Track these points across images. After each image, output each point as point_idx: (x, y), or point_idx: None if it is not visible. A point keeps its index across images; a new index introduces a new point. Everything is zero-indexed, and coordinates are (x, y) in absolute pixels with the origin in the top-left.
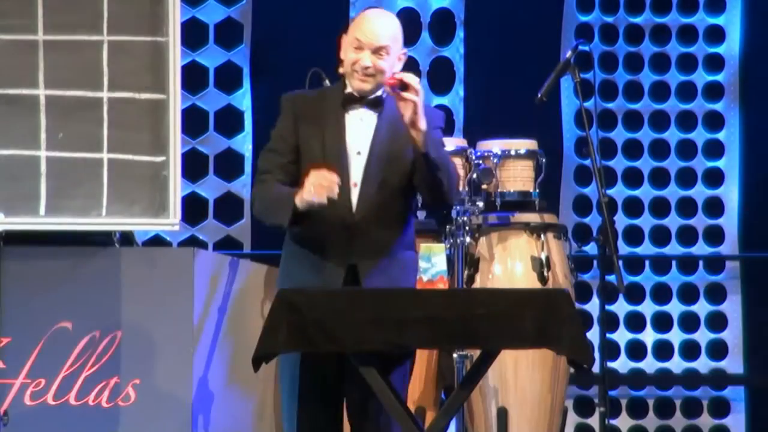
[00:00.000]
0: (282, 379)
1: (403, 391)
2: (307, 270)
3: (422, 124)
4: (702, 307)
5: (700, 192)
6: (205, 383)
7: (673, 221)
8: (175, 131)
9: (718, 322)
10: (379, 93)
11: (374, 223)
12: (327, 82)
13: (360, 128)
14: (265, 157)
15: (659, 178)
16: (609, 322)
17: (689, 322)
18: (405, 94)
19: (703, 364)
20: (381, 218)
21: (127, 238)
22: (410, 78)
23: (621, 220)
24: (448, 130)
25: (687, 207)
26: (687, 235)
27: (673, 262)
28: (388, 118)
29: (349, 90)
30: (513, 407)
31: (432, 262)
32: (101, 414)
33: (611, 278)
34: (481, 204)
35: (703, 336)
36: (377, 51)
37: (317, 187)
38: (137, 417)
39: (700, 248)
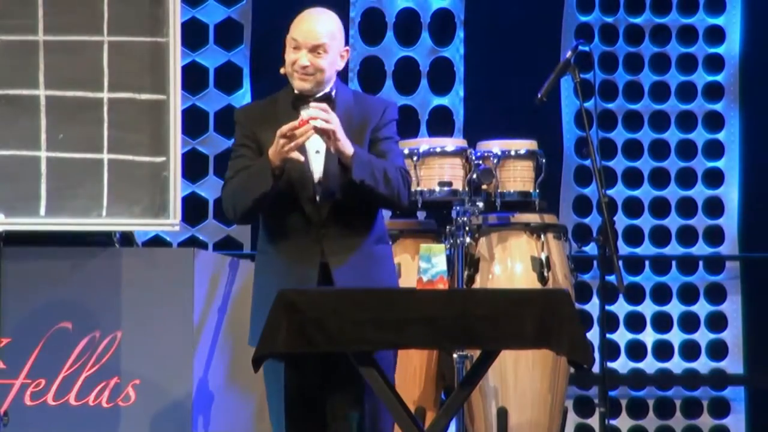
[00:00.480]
0: (267, 387)
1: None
2: (281, 275)
3: (347, 149)
4: (702, 307)
5: (700, 192)
6: (205, 383)
7: (673, 221)
8: (175, 131)
9: (718, 322)
10: (327, 90)
11: (341, 220)
12: None
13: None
14: (230, 165)
15: (659, 179)
16: (609, 322)
17: (689, 323)
18: (318, 126)
19: (703, 364)
20: (347, 214)
21: (127, 239)
22: (312, 113)
23: (621, 221)
24: (448, 131)
25: (687, 207)
26: (687, 236)
27: (673, 263)
28: (342, 115)
29: (297, 91)
30: (513, 407)
31: (432, 263)
32: (101, 414)
33: (611, 278)
34: (481, 204)
35: (703, 336)
36: (314, 50)
37: (284, 141)
38: (137, 417)
39: (700, 248)
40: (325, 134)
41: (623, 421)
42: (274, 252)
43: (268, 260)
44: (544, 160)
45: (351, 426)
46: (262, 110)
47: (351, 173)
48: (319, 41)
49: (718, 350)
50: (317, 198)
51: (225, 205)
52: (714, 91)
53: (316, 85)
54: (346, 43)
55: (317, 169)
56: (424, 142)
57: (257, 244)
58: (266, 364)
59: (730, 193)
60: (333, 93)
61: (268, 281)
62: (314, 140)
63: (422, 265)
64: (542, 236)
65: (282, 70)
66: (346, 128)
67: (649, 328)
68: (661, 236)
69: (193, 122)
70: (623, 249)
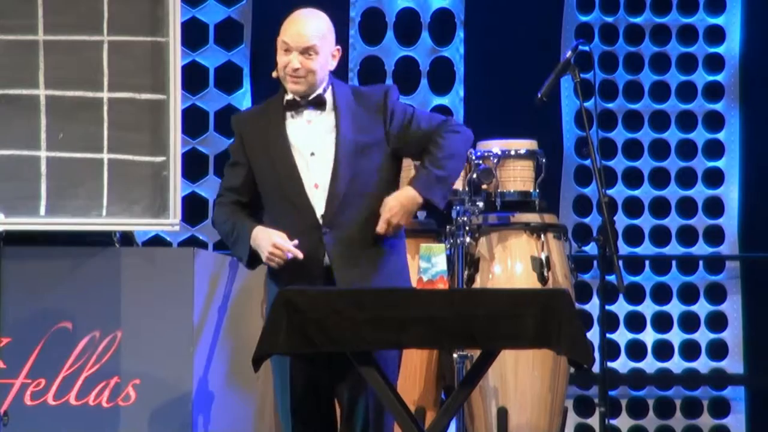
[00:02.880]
0: (274, 380)
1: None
2: (287, 280)
3: (415, 202)
4: (702, 307)
5: (700, 192)
6: (205, 383)
7: (673, 221)
8: (175, 131)
9: (718, 322)
10: (319, 91)
11: (344, 222)
12: None
13: (309, 130)
14: (224, 176)
15: (659, 178)
16: (609, 322)
17: (689, 322)
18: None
19: (703, 364)
20: (352, 216)
21: (127, 238)
22: (382, 225)
23: (621, 220)
24: None
25: (687, 207)
26: (687, 235)
27: (673, 262)
28: (350, 119)
29: (288, 96)
30: (513, 407)
31: (432, 262)
32: (101, 414)
33: (611, 278)
34: (481, 204)
35: (703, 336)
36: (305, 51)
37: (269, 256)
38: (137, 417)
39: (700, 248)
40: (402, 221)
41: (623, 421)
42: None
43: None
44: (544, 160)
45: (357, 416)
46: (254, 116)
47: (439, 208)
48: (309, 43)
49: (718, 350)
50: (313, 204)
51: (214, 223)
52: (714, 91)
53: (308, 87)
54: (338, 42)
55: (315, 173)
56: None
57: None
58: (273, 357)
59: (730, 193)
60: (326, 94)
61: (279, 286)
62: (309, 142)
63: (422, 264)
64: (542, 236)
65: (274, 74)
66: (353, 123)
67: (649, 328)
68: (661, 236)
69: (193, 122)
70: (623, 249)
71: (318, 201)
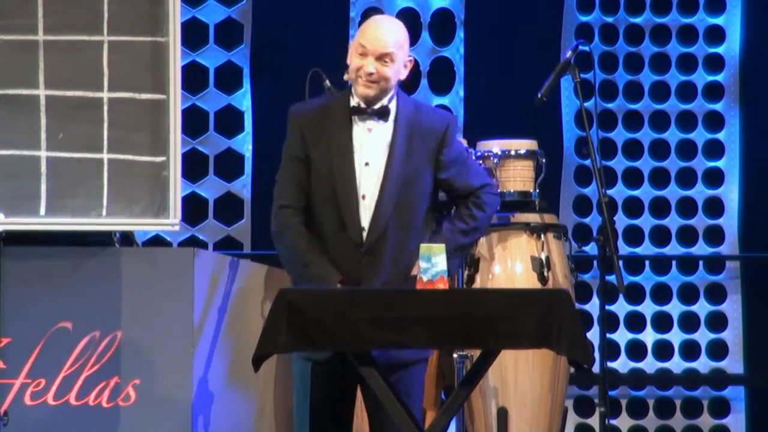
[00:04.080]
0: (295, 389)
1: (417, 396)
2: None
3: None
4: (702, 307)
5: (700, 192)
6: (205, 383)
7: (673, 221)
8: (175, 131)
9: (718, 322)
10: (384, 102)
11: (385, 239)
12: (327, 83)
13: (368, 139)
14: (285, 173)
15: (659, 178)
16: (609, 322)
17: (689, 322)
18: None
19: (703, 364)
20: (394, 233)
21: (127, 238)
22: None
23: (621, 220)
24: None
25: (687, 207)
26: (687, 235)
27: (673, 262)
28: (406, 135)
29: (354, 102)
30: (513, 407)
31: (432, 262)
32: (101, 414)
33: (611, 278)
34: None
35: (703, 336)
36: (381, 58)
37: None
38: (137, 417)
39: (700, 248)
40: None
41: (623, 421)
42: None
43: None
44: (544, 160)
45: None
46: (316, 116)
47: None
48: (387, 50)
49: (718, 350)
50: (360, 214)
51: (274, 236)
52: (714, 91)
53: (379, 92)
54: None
55: (365, 184)
56: None
57: None
58: (295, 365)
59: (730, 193)
60: (390, 105)
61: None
62: (366, 151)
63: (422, 264)
64: (542, 236)
65: (345, 77)
66: (406, 140)
67: (649, 328)
68: (661, 236)
69: (193, 122)
70: (623, 249)
71: (364, 212)
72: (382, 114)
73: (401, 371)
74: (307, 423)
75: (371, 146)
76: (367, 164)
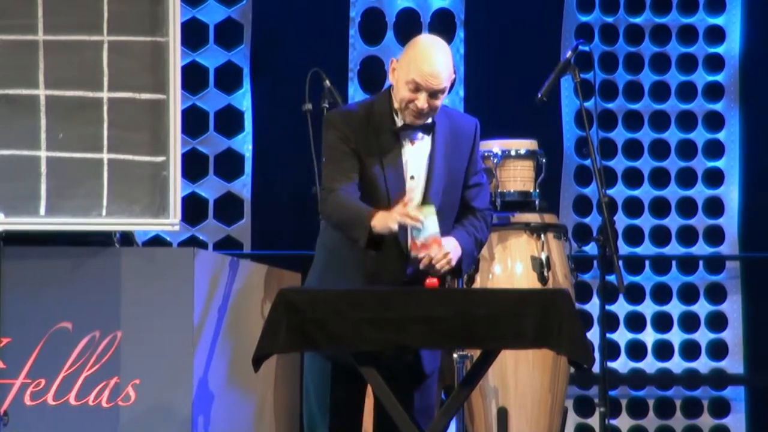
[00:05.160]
0: (311, 388)
1: (435, 408)
2: (359, 273)
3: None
4: (702, 307)
5: (700, 192)
6: (205, 383)
7: (673, 221)
8: (175, 131)
9: (718, 322)
10: (429, 120)
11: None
12: (327, 83)
13: (413, 152)
14: (332, 164)
15: (659, 178)
16: (609, 322)
17: (689, 322)
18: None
19: (703, 364)
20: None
21: (127, 238)
22: (435, 276)
23: (621, 220)
24: None
25: (687, 207)
26: (687, 235)
27: (673, 262)
28: (443, 144)
29: (399, 122)
30: (513, 407)
31: (424, 225)
32: (101, 414)
33: (611, 278)
34: None
35: (703, 336)
36: (435, 93)
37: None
38: (137, 417)
39: (700, 248)
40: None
41: (623, 421)
42: (351, 263)
43: (340, 267)
44: (544, 160)
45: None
46: (361, 121)
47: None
48: (441, 86)
49: (718, 350)
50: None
51: (323, 214)
52: (714, 91)
53: (426, 120)
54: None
55: (409, 195)
56: None
57: (326, 241)
58: (312, 365)
59: (730, 193)
60: (432, 121)
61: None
62: (411, 164)
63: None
64: (542, 236)
65: (396, 105)
66: (444, 148)
67: (649, 327)
68: (661, 236)
69: (193, 122)
70: (623, 249)
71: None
72: (428, 129)
73: (421, 385)
74: (323, 423)
75: (415, 159)
76: (412, 177)
